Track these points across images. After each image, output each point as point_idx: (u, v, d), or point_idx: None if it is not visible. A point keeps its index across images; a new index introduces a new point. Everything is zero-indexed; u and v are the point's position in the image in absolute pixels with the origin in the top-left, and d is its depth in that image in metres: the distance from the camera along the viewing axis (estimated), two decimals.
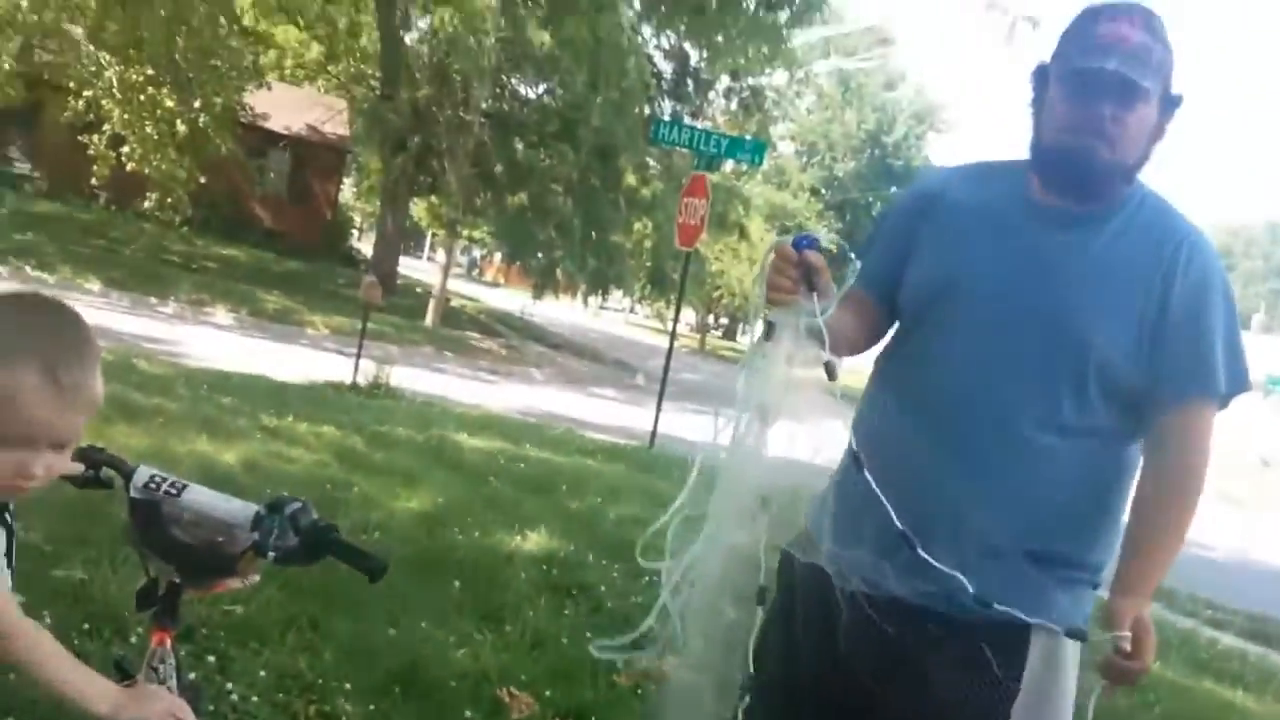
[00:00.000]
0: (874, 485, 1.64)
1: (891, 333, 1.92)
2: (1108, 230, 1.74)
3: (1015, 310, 1.72)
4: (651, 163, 21.18)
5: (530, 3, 17.65)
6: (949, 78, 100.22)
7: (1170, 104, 1.75)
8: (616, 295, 40.36)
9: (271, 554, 1.42)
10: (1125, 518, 1.77)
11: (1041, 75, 1.80)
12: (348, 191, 31.79)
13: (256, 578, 1.56)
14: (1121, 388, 1.71)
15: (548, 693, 3.26)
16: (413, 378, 11.27)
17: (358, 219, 34.94)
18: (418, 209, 25.36)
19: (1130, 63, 1.66)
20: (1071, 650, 1.74)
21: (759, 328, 1.70)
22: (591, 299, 41.33)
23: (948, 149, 53.11)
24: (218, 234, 22.37)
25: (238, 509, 1.48)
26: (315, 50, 22.96)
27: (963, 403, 1.72)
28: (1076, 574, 1.76)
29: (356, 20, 21.01)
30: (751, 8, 11.62)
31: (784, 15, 11.71)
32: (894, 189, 39.59)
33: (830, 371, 1.62)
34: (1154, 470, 1.73)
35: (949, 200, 1.88)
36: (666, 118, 20.14)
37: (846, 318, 1.84)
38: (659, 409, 9.89)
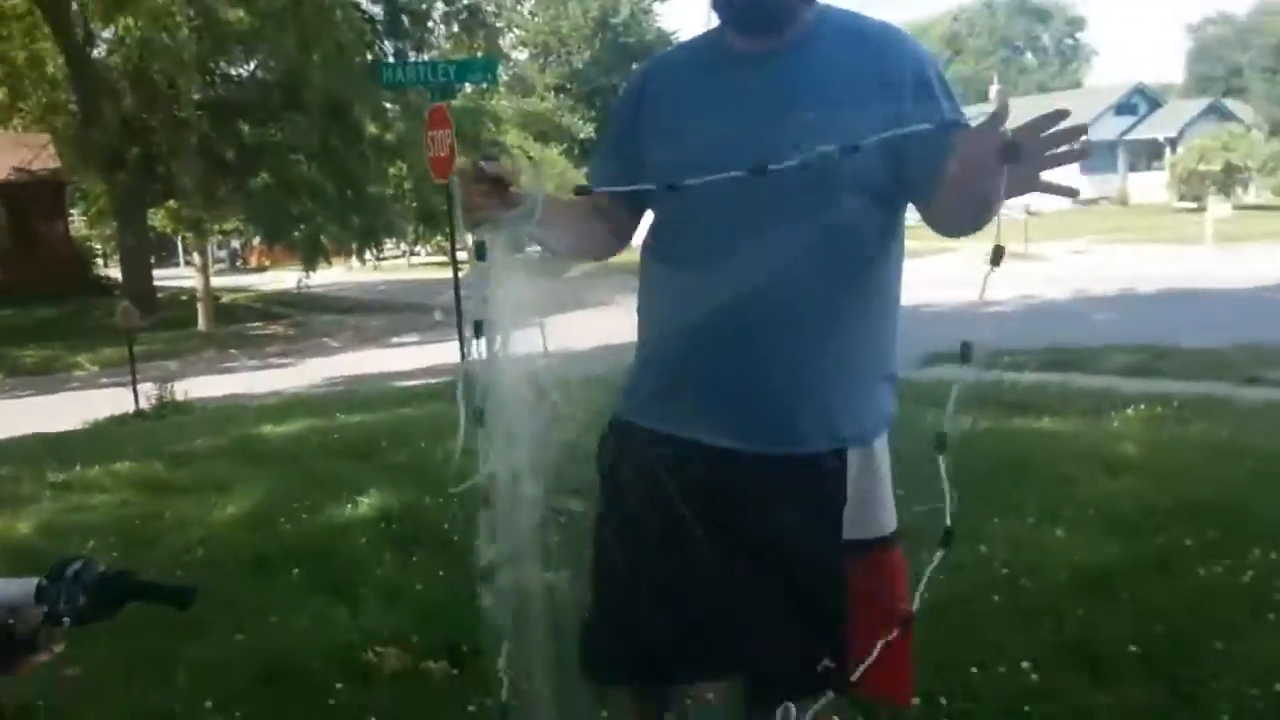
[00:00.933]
0: (681, 348, 1.76)
1: (649, 218, 1.94)
2: (807, 56, 1.78)
3: (759, 150, 1.70)
4: (389, 106, 20.63)
5: None
6: None
7: None
8: (392, 244, 39.46)
9: (66, 620, 1.37)
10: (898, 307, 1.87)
11: None
12: (80, 222, 29.83)
13: (60, 647, 1.50)
14: (880, 188, 1.75)
15: (414, 639, 3.27)
16: (202, 386, 10.86)
17: (98, 246, 32.90)
18: (158, 217, 24.05)
19: None
20: (881, 447, 1.85)
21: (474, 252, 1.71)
22: (367, 255, 40.30)
23: (678, 15, 53.28)
24: None
25: (15, 589, 1.42)
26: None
27: (738, 254, 1.75)
28: (876, 382, 1.85)
29: (35, 51, 19.48)
30: None
31: None
32: (635, 65, 39.82)
33: (479, 251, 1.68)
34: (948, 199, 1.68)
35: (661, 82, 1.93)
36: (390, 59, 19.62)
37: (585, 218, 1.91)
38: (460, 338, 9.90)
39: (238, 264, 50.01)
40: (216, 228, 25.35)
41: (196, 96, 18.77)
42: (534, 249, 1.75)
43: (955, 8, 74.70)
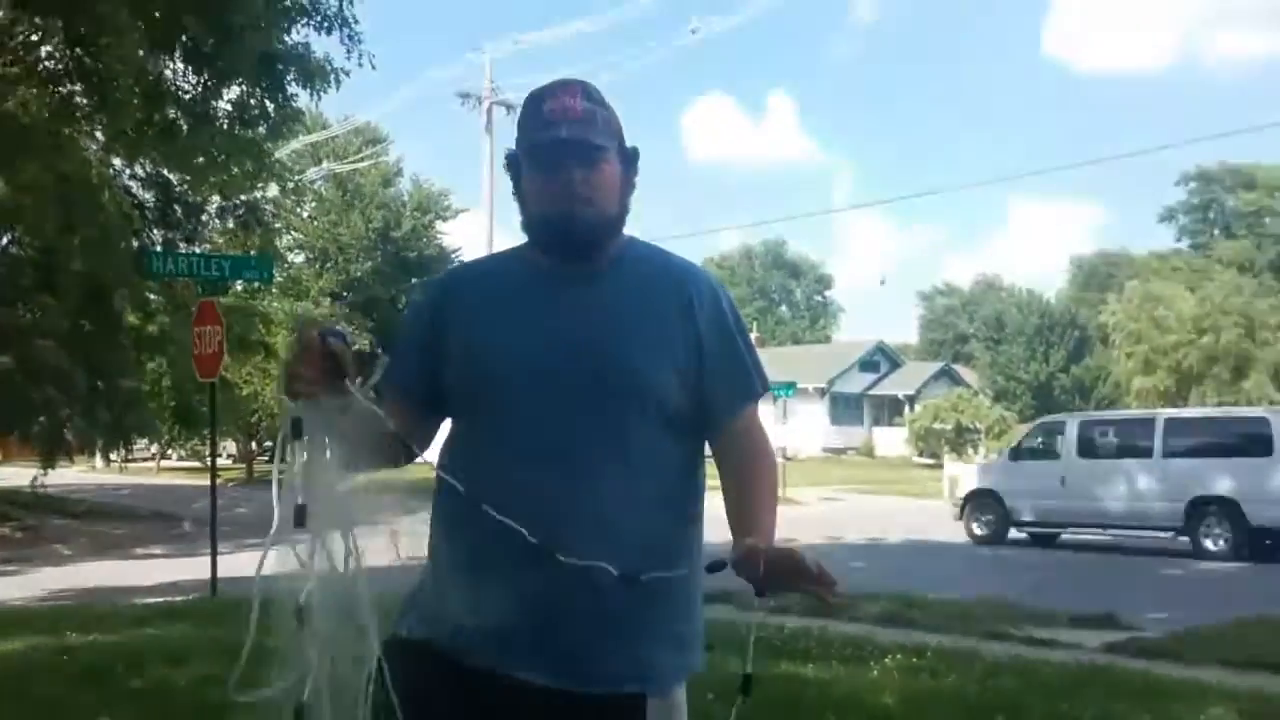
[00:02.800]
0: (469, 570, 1.73)
1: (446, 429, 1.94)
2: (617, 280, 1.87)
3: (560, 370, 1.78)
4: (152, 296, 19.81)
5: None
6: (444, 167, 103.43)
7: (630, 158, 1.92)
8: (142, 445, 37.16)
9: None
10: (699, 540, 1.91)
11: (513, 161, 1.91)
12: None
13: None
14: (674, 418, 1.82)
15: None
16: None
17: None
18: None
19: (580, 127, 1.81)
20: (679, 696, 1.83)
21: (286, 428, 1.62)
22: (113, 454, 37.75)
23: (459, 233, 54.57)
24: None
25: None
26: None
27: (533, 475, 1.75)
28: (679, 626, 1.84)
29: None
30: (226, 125, 11.21)
31: (262, 129, 11.42)
32: (414, 280, 40.15)
33: (296, 428, 1.60)
34: (734, 468, 1.90)
35: (463, 291, 1.97)
36: (159, 248, 18.99)
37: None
38: (214, 553, 9.27)
39: None
40: None
41: None
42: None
43: (718, 255, 79.88)
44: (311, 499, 1.58)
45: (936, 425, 39.65)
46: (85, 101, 11.72)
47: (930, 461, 36.96)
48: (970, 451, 38.27)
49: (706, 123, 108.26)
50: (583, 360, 1.79)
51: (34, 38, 14.94)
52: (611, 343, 1.81)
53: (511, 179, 1.93)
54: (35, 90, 14.89)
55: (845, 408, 48.15)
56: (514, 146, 1.91)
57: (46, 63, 14.92)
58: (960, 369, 54.09)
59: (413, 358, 1.93)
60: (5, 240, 19.96)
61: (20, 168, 13.94)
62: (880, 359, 52.69)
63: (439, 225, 44.18)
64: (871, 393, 49.66)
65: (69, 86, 12.19)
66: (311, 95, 11.14)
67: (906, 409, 46.65)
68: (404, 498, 1.76)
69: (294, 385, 1.62)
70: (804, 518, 18.66)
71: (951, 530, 17.12)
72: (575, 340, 1.80)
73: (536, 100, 1.86)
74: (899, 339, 63.96)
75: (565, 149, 1.80)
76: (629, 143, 1.93)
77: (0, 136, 14.55)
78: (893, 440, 45.15)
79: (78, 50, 10.18)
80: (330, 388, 1.61)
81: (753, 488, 1.90)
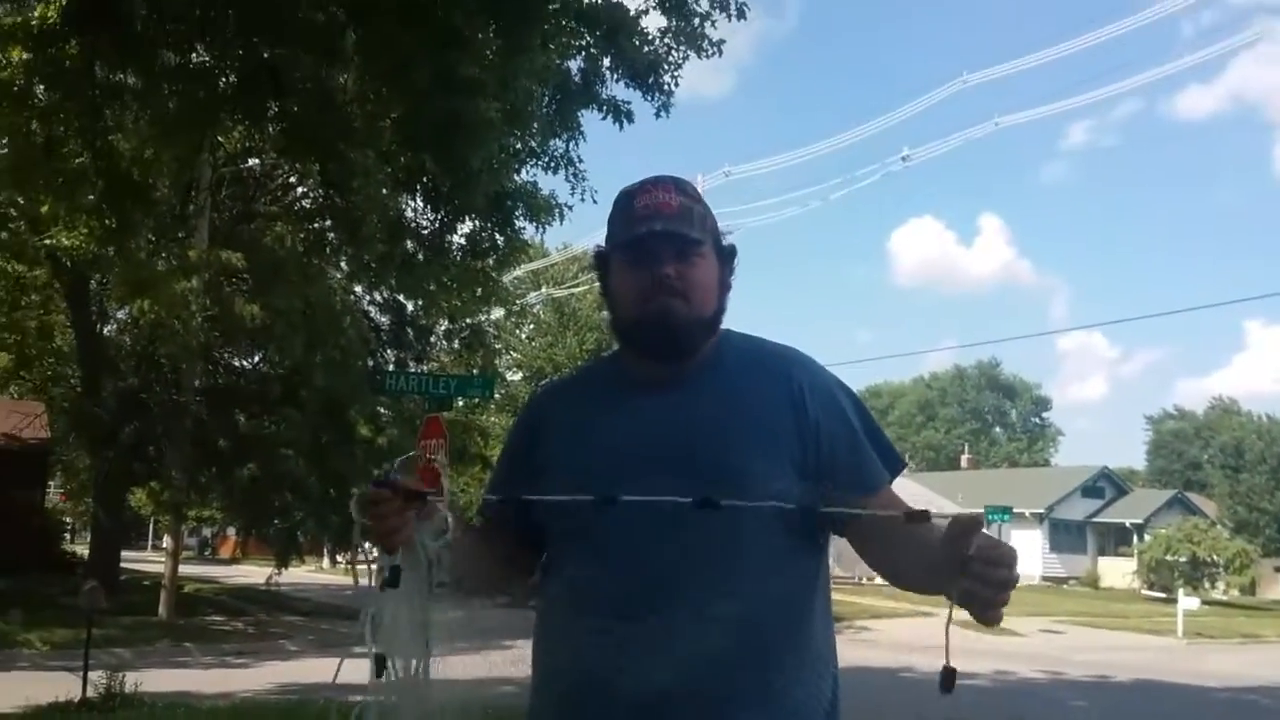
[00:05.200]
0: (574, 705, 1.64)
1: (546, 557, 1.82)
2: (714, 378, 1.75)
3: (656, 484, 1.62)
4: (383, 411, 21.09)
5: (235, 279, 17.55)
6: None
7: (727, 255, 1.82)
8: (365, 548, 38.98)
9: None
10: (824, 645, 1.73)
11: (601, 260, 1.83)
12: (55, 494, 29.57)
13: None
14: (795, 525, 1.66)
15: None
16: (154, 678, 10.41)
17: (69, 520, 32.46)
18: (137, 497, 23.91)
19: (674, 221, 1.72)
20: None
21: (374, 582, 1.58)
22: (340, 557, 39.74)
23: None
24: None
25: None
26: (3, 359, 21.68)
27: (644, 595, 1.62)
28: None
29: (47, 321, 20.14)
30: (458, 257, 12.10)
31: (491, 260, 12.28)
32: None
33: (393, 578, 1.54)
34: (885, 529, 1.63)
35: (553, 408, 1.90)
36: (391, 366, 20.29)
37: (482, 553, 1.77)
38: (426, 654, 9.60)
39: (206, 553, 49.20)
40: (194, 513, 25.22)
41: (197, 383, 19.23)
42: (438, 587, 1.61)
43: (928, 374, 78.09)
44: (411, 640, 1.58)
45: (1169, 557, 37.04)
46: (334, 236, 12.85)
47: (1161, 595, 34.47)
48: (1207, 586, 35.54)
49: (915, 245, 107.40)
50: (682, 469, 1.64)
51: (292, 179, 16.60)
52: (715, 446, 1.67)
53: (599, 278, 1.84)
54: (291, 227, 16.49)
55: (1066, 535, 45.69)
56: (603, 244, 1.82)
57: (302, 202, 16.54)
58: (1194, 497, 50.59)
59: (508, 482, 1.85)
60: (257, 359, 21.79)
61: (273, 294, 15.37)
62: (1105, 485, 49.90)
63: None
64: (1096, 520, 46.99)
65: (321, 223, 13.45)
66: (537, 228, 11.90)
67: (1134, 538, 43.86)
68: (501, 626, 1.73)
69: (387, 540, 1.56)
70: (1022, 650, 17.69)
71: (1187, 670, 15.91)
72: (672, 449, 1.67)
73: (628, 196, 1.78)
74: (1124, 464, 60.66)
75: (658, 242, 1.71)
76: (725, 241, 1.82)
77: (259, 267, 16.14)
78: (1119, 571, 42.41)
79: (330, 191, 11.21)
80: (419, 514, 1.56)
81: (912, 547, 1.60)
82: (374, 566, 1.58)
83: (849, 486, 1.69)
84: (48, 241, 13.33)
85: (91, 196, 9.28)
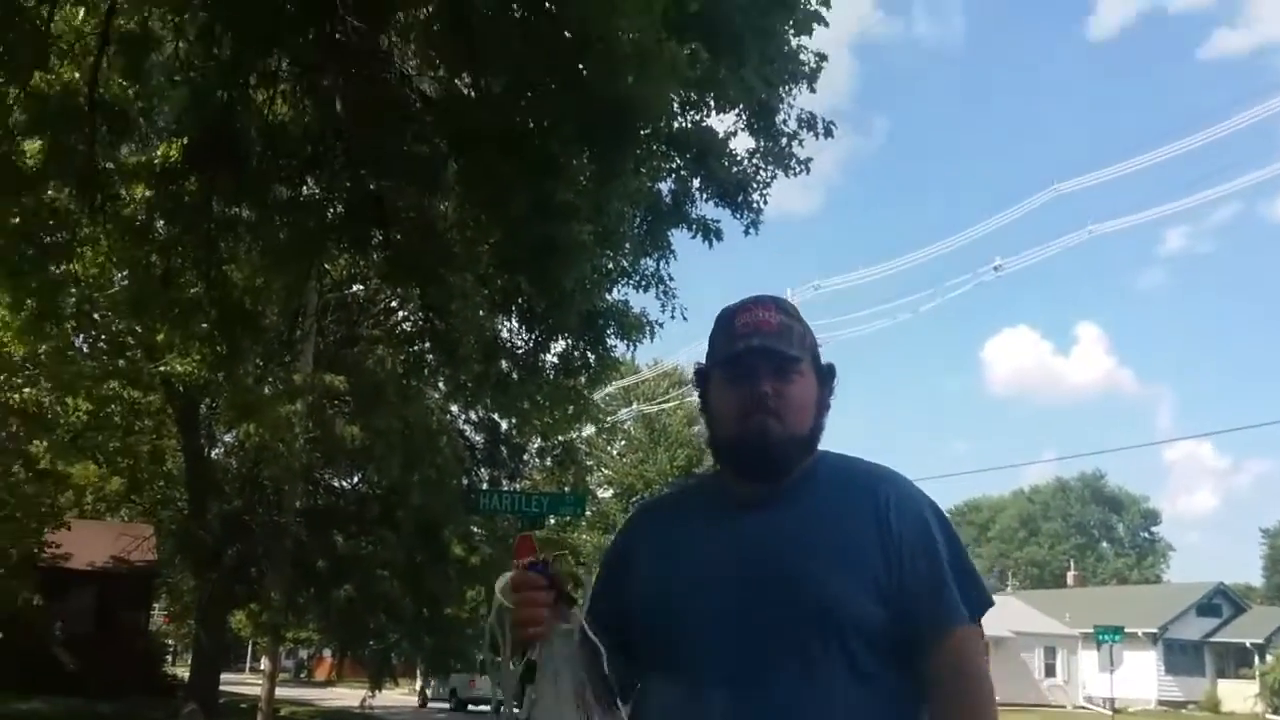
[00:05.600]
0: None
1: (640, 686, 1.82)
2: (807, 498, 1.74)
3: (742, 607, 1.67)
4: (476, 530, 21.19)
5: (337, 402, 18.00)
6: None
7: (826, 375, 1.83)
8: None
9: None
10: None
11: (701, 377, 1.86)
12: (158, 616, 30.12)
13: None
14: (885, 645, 1.66)
15: None
16: None
17: (171, 642, 32.96)
18: (236, 619, 24.22)
19: (773, 339, 1.74)
20: None
21: (509, 672, 1.58)
22: (434, 679, 39.54)
23: None
24: (16, 689, 20.59)
25: None
26: (116, 483, 22.40)
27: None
28: None
29: (159, 446, 20.81)
30: (551, 375, 12.30)
31: (583, 378, 12.45)
32: None
33: (528, 672, 1.54)
34: (940, 707, 1.67)
35: (647, 528, 1.92)
36: (485, 485, 20.48)
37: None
38: None
39: (303, 675, 49.39)
40: (291, 634, 25.44)
41: (298, 504, 19.59)
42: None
43: (1029, 488, 75.85)
44: None
45: None
46: (433, 358, 13.16)
47: None
48: None
49: (1010, 354, 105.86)
50: (768, 593, 1.66)
51: (393, 304, 17.11)
52: (800, 569, 1.67)
53: (699, 395, 1.86)
54: (391, 349, 16.94)
55: (1182, 656, 43.45)
56: (704, 362, 1.85)
57: (402, 325, 17.01)
58: None
59: (604, 604, 1.83)
60: (356, 479, 22.17)
61: (373, 415, 15.72)
62: (1221, 602, 47.53)
63: None
64: (1213, 640, 44.66)
65: (420, 345, 13.78)
66: (628, 346, 12.05)
67: (1255, 659, 41.52)
68: None
69: (524, 631, 1.61)
70: None
71: None
72: (759, 571, 1.68)
73: (729, 316, 1.81)
74: (1240, 580, 57.88)
75: (756, 359, 1.73)
76: (824, 361, 1.84)
77: (360, 389, 16.55)
78: (1241, 695, 40.06)
79: (430, 314, 11.53)
80: (556, 615, 1.61)
81: None
82: (511, 664, 1.59)
83: (923, 616, 1.68)
84: (162, 368, 13.87)
85: (205, 324, 9.68)
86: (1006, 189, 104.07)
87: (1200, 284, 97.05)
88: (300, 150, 8.46)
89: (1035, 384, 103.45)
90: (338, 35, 7.21)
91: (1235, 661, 43.89)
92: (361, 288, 17.71)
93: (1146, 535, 75.39)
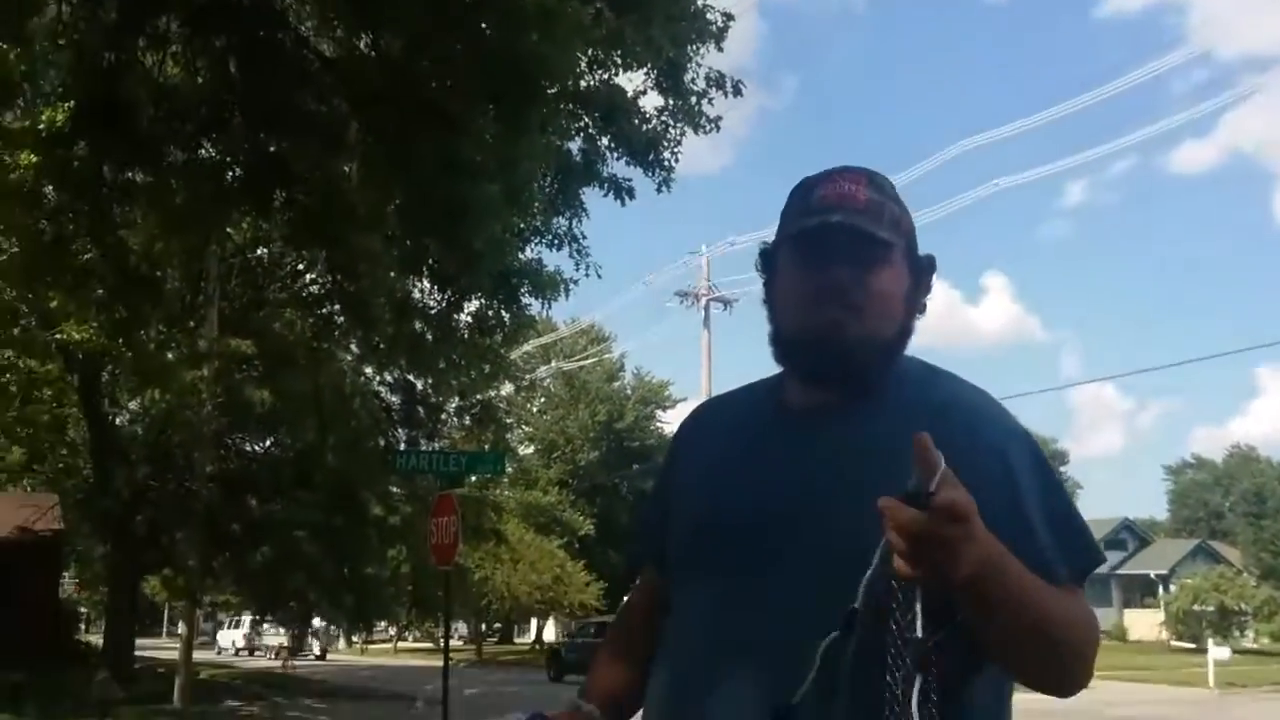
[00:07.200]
0: None
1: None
2: (878, 421, 1.39)
3: (786, 547, 1.37)
4: (395, 490, 21.09)
5: (245, 366, 17.66)
6: (664, 361, 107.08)
7: (923, 268, 1.48)
8: (381, 628, 39.01)
9: None
10: None
11: (767, 259, 1.51)
12: (69, 584, 29.49)
13: None
14: (940, 609, 1.26)
15: None
16: None
17: (84, 610, 32.34)
18: (151, 585, 23.85)
19: (860, 216, 1.39)
20: None
21: None
22: (355, 637, 39.66)
23: (679, 421, 55.99)
24: None
25: None
26: (16, 453, 21.75)
27: (753, 679, 1.35)
28: None
29: (59, 414, 20.24)
30: (466, 335, 12.18)
31: (498, 336, 12.36)
32: (635, 467, 41.24)
33: None
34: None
35: (700, 432, 1.63)
36: (402, 446, 20.32)
37: (631, 668, 1.58)
38: None
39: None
40: (208, 599, 25.15)
41: (209, 469, 19.26)
42: None
43: None
44: None
45: (1196, 607, 36.54)
46: (343, 320, 12.96)
47: (1190, 646, 33.91)
48: (1237, 635, 34.96)
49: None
50: (805, 525, 1.37)
51: (300, 267, 16.77)
52: (847, 502, 1.30)
53: (764, 283, 1.51)
54: (299, 312, 16.64)
55: (1091, 588, 44.28)
56: (769, 242, 1.52)
57: (310, 288, 16.69)
58: (1218, 546, 50.03)
59: (654, 523, 1.60)
60: (268, 443, 21.85)
61: (283, 379, 15.47)
62: (1127, 537, 49.41)
63: (660, 415, 45.64)
64: (1120, 572, 46.44)
65: (329, 308, 13.57)
66: (543, 304, 11.98)
67: (1160, 589, 43.32)
68: None
69: None
70: (1053, 706, 17.36)
71: None
72: (805, 498, 1.38)
73: (807, 186, 1.47)
74: (1145, 515, 60.10)
75: (837, 238, 1.38)
76: (922, 251, 1.49)
77: (268, 353, 16.25)
78: (1146, 623, 41.82)
79: (338, 276, 11.32)
80: None
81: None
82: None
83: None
84: (59, 336, 13.44)
85: (101, 291, 9.38)
86: (914, 145, 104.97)
87: (1101, 234, 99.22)
88: (194, 113, 8.18)
89: (946, 333, 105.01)
90: None
91: (1141, 592, 45.76)
92: (266, 251, 17.33)
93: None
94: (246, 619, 38.72)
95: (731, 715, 1.35)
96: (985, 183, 32.12)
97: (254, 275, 18.31)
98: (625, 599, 1.70)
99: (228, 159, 8.68)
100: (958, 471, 1.19)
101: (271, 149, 8.22)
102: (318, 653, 36.66)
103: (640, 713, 1.53)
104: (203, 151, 8.81)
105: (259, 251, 17.30)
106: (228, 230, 12.05)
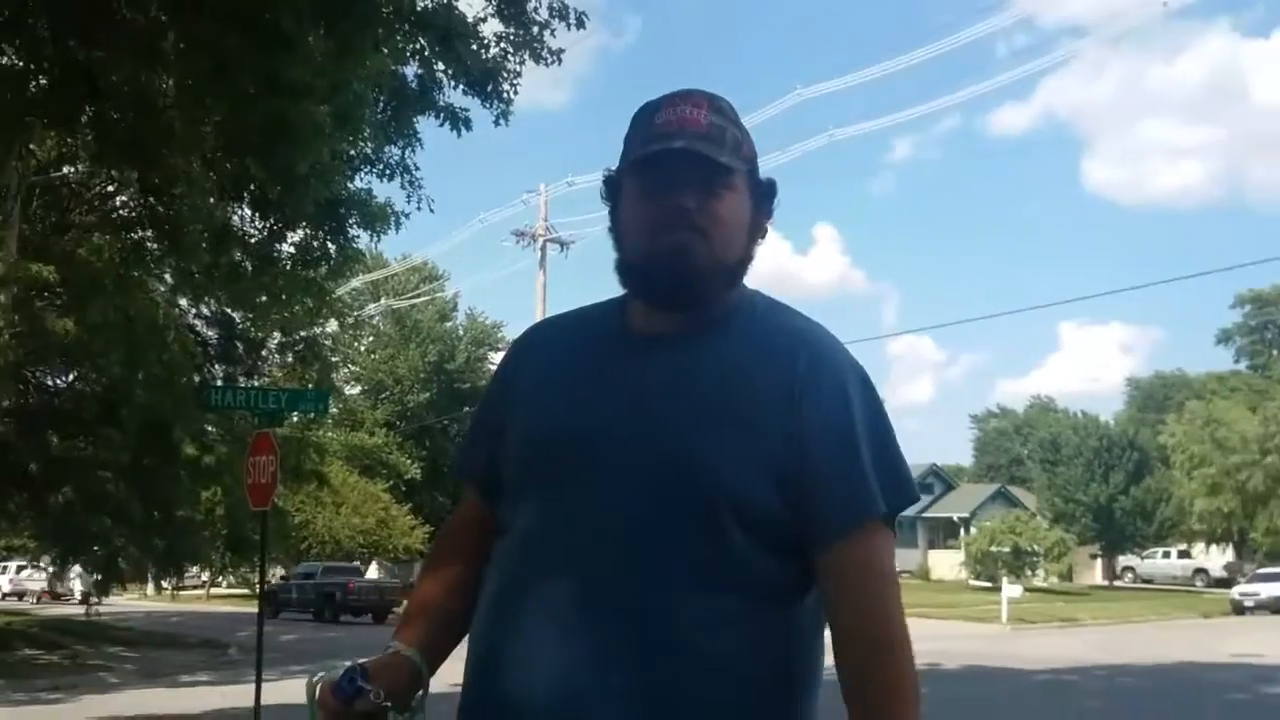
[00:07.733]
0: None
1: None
2: (718, 348, 1.43)
3: (618, 462, 1.38)
4: (211, 429, 20.25)
5: (47, 294, 16.57)
6: (498, 302, 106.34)
7: (764, 193, 1.49)
8: (193, 574, 37.71)
9: None
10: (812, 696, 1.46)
11: (611, 186, 1.50)
12: None
13: None
14: (769, 530, 1.36)
15: None
16: None
17: None
18: None
19: (702, 141, 1.40)
20: None
21: None
22: (165, 582, 38.22)
23: None
24: None
25: None
26: None
27: (577, 587, 1.37)
28: None
29: None
30: (289, 266, 11.70)
31: (324, 269, 11.91)
32: (466, 409, 40.82)
33: None
34: (836, 620, 1.40)
35: (534, 353, 1.59)
36: (219, 382, 19.51)
37: (456, 591, 1.54)
38: (259, 680, 9.31)
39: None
40: (3, 542, 23.74)
41: (6, 403, 18.09)
42: None
43: None
44: None
45: (993, 548, 38.88)
46: (156, 246, 12.29)
47: (987, 585, 36.12)
48: (1029, 575, 37.38)
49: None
50: (638, 450, 1.38)
51: (109, 188, 15.78)
52: (683, 428, 1.37)
53: (609, 211, 1.50)
54: (108, 236, 15.67)
55: (900, 530, 47.24)
56: (613, 170, 1.51)
57: (120, 211, 15.73)
58: (1016, 491, 53.27)
59: (481, 439, 1.58)
60: (71, 376, 20.64)
61: (88, 309, 14.59)
62: (934, 481, 52.07)
63: (492, 357, 45.12)
64: (926, 515, 48.94)
65: (141, 233, 12.82)
66: (372, 237, 11.65)
67: (962, 531, 45.87)
68: None
69: None
70: None
71: (1011, 654, 16.72)
72: (639, 423, 1.39)
73: (650, 110, 1.47)
74: (952, 461, 63.45)
75: (679, 164, 1.39)
76: (764, 175, 1.50)
77: (73, 280, 15.28)
78: (948, 563, 44.31)
79: (151, 199, 10.71)
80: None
81: (863, 672, 1.39)
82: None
83: (825, 509, 1.37)
84: None
85: None
86: (751, 93, 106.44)
87: (923, 190, 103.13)
88: None
89: (775, 283, 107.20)
90: None
91: (944, 534, 48.40)
92: (73, 169, 16.22)
93: None
94: (12, 565, 36.85)
95: (552, 621, 1.37)
96: (821, 133, 32.76)
97: (59, 196, 17.13)
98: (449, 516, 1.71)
99: (30, 66, 8.04)
100: (800, 399, 1.36)
101: (80, 58, 7.66)
102: (79, 597, 31.13)
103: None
104: (1, 57, 8.15)
105: (65, 170, 16.19)
106: (30, 146, 11.20)
